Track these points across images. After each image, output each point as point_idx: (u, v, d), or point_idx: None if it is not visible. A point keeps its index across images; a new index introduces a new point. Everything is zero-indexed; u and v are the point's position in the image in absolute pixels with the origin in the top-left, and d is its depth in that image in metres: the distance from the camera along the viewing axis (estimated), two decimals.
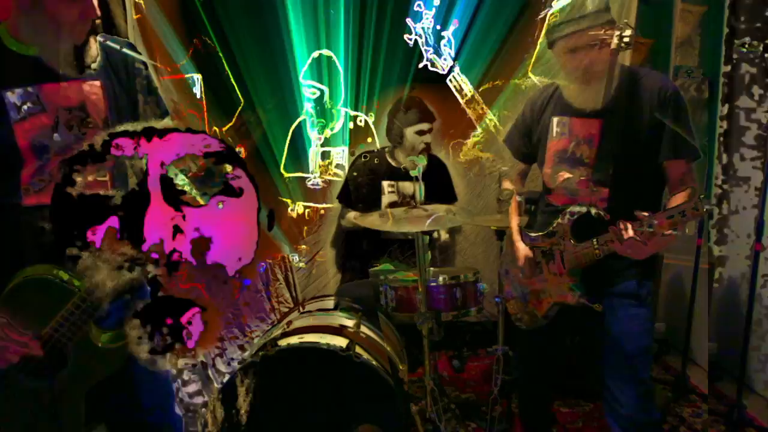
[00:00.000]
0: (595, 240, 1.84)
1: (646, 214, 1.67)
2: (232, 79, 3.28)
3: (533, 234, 2.10)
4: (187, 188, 1.20)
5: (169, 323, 1.25)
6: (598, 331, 1.97)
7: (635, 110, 1.86)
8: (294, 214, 3.51)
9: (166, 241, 1.19)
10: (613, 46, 1.76)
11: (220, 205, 1.20)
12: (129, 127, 1.19)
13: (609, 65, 1.79)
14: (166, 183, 1.19)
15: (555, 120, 2.02)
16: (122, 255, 1.19)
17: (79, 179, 1.18)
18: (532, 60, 3.37)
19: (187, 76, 3.23)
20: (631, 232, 1.68)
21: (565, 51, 1.86)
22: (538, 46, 3.36)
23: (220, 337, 2.98)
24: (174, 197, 1.19)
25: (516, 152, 2.25)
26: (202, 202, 1.20)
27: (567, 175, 1.98)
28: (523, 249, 2.11)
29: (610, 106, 1.87)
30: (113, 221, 1.18)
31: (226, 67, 3.25)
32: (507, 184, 2.28)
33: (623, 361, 1.92)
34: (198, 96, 3.27)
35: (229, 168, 1.21)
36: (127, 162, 1.24)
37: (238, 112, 3.32)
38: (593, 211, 1.89)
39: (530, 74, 3.39)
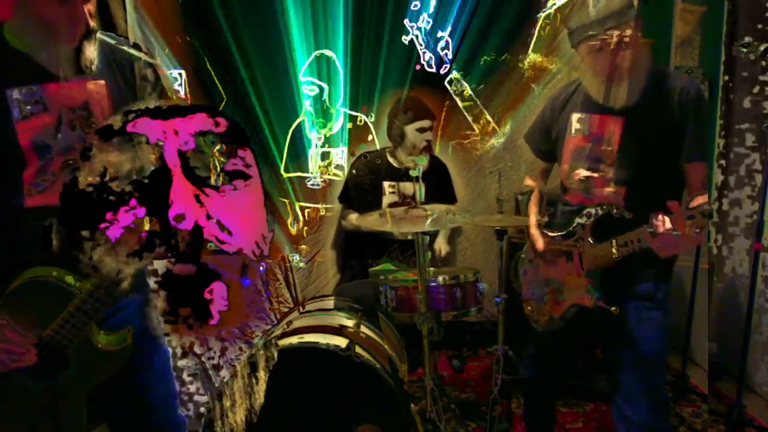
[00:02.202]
0: (613, 241, 1.81)
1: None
2: (214, 77, 3.29)
3: (552, 234, 2.06)
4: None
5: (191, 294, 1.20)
6: (614, 334, 1.94)
7: (658, 109, 1.84)
8: (293, 231, 3.52)
9: (190, 215, 1.16)
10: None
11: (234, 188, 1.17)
12: (146, 105, 1.17)
13: (637, 63, 1.77)
14: (185, 159, 1.17)
15: (575, 117, 1.98)
16: (141, 239, 1.16)
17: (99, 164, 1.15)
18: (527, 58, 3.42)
19: (168, 72, 3.24)
20: (669, 225, 1.66)
21: (591, 52, 1.82)
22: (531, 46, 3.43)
23: (220, 337, 2.98)
24: (193, 174, 1.17)
25: (536, 150, 2.24)
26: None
27: (584, 172, 1.95)
28: (541, 239, 2.06)
29: (634, 105, 1.84)
30: (134, 204, 1.15)
31: (208, 65, 3.27)
32: (529, 181, 2.26)
33: (638, 365, 1.89)
34: (182, 93, 3.29)
35: (238, 151, 1.19)
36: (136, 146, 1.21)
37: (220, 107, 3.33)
38: (614, 210, 1.85)
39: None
